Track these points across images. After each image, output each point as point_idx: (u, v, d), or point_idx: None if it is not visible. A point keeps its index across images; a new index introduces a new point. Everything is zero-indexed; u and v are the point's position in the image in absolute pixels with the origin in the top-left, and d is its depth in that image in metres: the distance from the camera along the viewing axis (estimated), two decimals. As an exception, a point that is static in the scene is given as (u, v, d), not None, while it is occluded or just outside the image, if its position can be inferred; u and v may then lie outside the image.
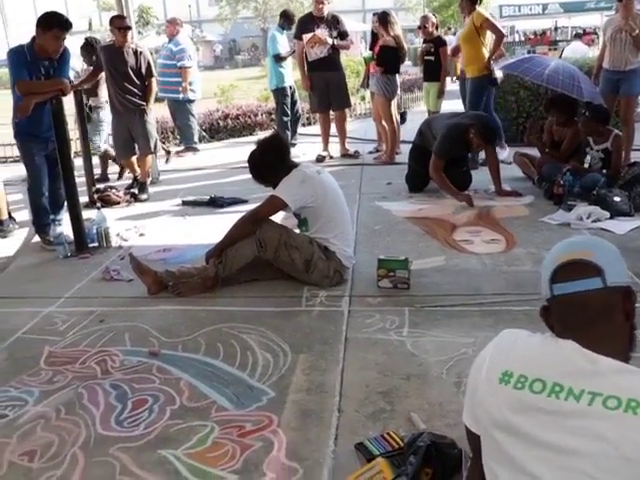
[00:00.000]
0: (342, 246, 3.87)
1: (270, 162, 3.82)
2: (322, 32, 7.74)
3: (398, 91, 8.22)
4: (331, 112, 8.33)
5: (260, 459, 2.30)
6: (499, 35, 7.16)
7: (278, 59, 8.85)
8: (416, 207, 5.69)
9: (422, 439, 2.19)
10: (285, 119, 9.02)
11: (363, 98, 12.88)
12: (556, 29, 30.38)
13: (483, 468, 1.47)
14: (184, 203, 6.51)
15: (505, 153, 7.33)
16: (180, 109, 9.18)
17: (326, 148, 8.34)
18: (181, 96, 8.94)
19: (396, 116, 7.98)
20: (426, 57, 8.28)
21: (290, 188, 3.75)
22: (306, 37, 7.78)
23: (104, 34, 18.95)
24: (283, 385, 2.79)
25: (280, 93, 9.00)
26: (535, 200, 5.68)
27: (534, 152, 6.48)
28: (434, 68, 8.23)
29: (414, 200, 5.96)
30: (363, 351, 3.05)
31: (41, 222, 5.36)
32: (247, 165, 3.97)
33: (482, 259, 4.23)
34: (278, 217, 3.98)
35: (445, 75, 8.40)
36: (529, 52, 16.12)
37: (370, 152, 8.61)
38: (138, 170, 7.02)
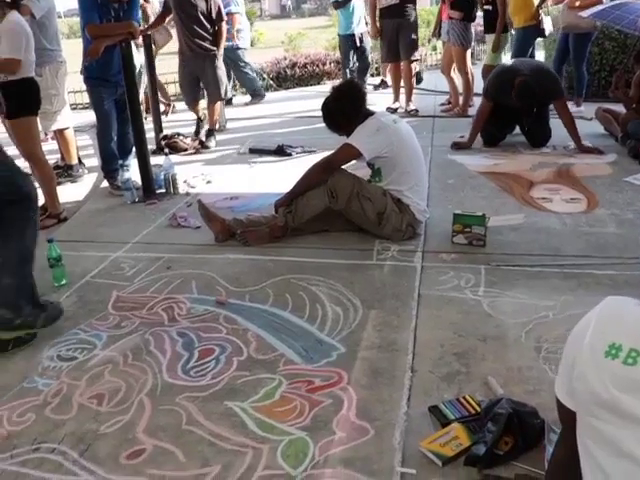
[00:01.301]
0: (416, 199, 3.71)
1: (344, 109, 3.66)
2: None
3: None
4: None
5: (329, 417, 2.21)
6: None
7: (336, 5, 8.59)
8: (491, 162, 5.45)
9: (501, 405, 2.07)
10: (346, 69, 8.74)
11: (435, 48, 12.49)
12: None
13: (574, 445, 1.32)
14: (251, 151, 6.43)
15: (578, 108, 6.98)
16: (230, 57, 8.89)
17: (397, 99, 8.04)
18: (230, 43, 8.63)
19: (471, 67, 7.64)
20: (485, 6, 7.39)
21: (365, 136, 3.59)
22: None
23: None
24: (353, 341, 2.69)
25: (341, 41, 8.71)
26: (618, 158, 5.35)
27: (618, 108, 6.13)
28: (493, 19, 7.25)
29: (489, 154, 5.71)
30: (437, 309, 2.92)
31: (109, 167, 5.36)
32: (320, 112, 3.82)
33: (562, 218, 4.01)
34: (350, 167, 3.82)
35: (501, 26, 7.15)
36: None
37: (442, 104, 8.32)
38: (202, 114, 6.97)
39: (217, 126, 7.18)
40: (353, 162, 3.76)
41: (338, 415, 2.22)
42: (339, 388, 2.37)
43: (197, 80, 6.85)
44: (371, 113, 3.72)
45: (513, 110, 5.69)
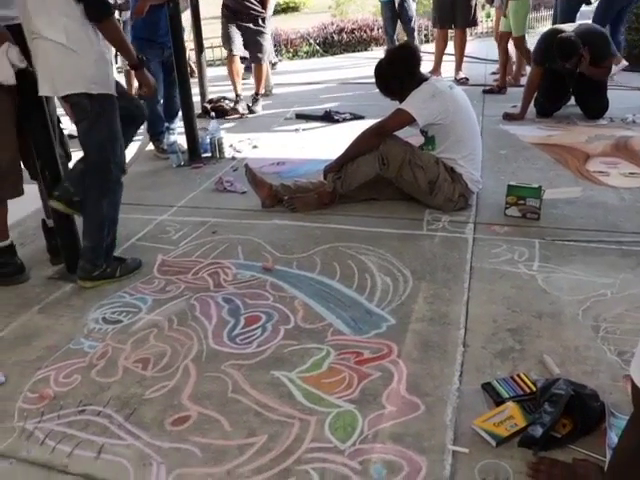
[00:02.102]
0: (470, 169, 3.58)
1: (399, 73, 3.52)
2: None
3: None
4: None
5: (379, 390, 2.14)
6: None
7: None
8: (545, 133, 5.26)
9: (559, 386, 1.98)
10: (389, 37, 8.50)
11: (488, 15, 12.15)
12: None
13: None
14: (297, 117, 6.35)
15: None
16: None
17: (436, 70, 7.66)
18: None
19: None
20: None
21: (419, 102, 3.46)
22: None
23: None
24: (404, 313, 2.61)
25: (382, 7, 8.43)
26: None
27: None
28: None
29: (542, 125, 5.52)
30: (490, 283, 2.82)
31: (155, 130, 5.33)
32: (373, 76, 3.69)
33: (620, 193, 3.84)
34: (402, 134, 3.70)
35: None
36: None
37: (493, 73, 8.08)
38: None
39: (263, 91, 7.08)
40: (406, 128, 3.64)
41: (388, 389, 2.15)
42: (389, 361, 2.30)
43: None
44: (426, 78, 3.58)
45: (564, 78, 5.45)
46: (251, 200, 3.89)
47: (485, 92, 6.97)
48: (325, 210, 3.73)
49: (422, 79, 3.55)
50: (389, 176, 3.57)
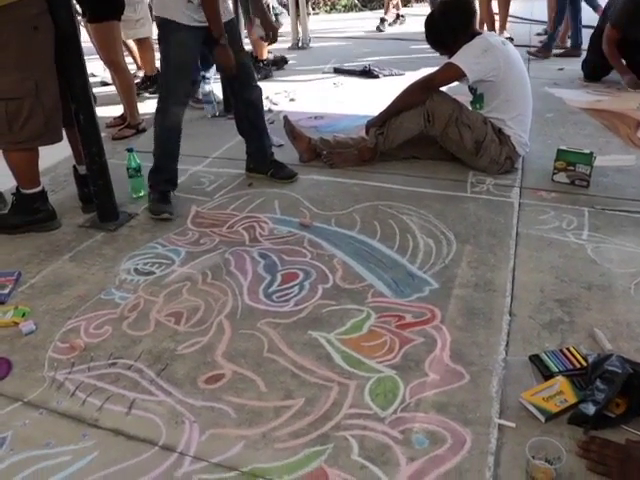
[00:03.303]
0: (518, 130, 3.41)
1: (451, 24, 3.33)
2: None
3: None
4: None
5: (421, 356, 2.05)
6: None
7: None
8: (593, 98, 5.04)
9: (612, 363, 1.86)
10: None
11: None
12: None
13: None
14: (335, 71, 6.18)
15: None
16: None
17: (482, 28, 7.43)
18: None
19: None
20: None
21: (471, 57, 3.28)
22: None
23: None
24: (447, 277, 2.50)
25: None
26: None
27: None
28: None
29: (590, 90, 5.29)
30: (537, 250, 2.69)
31: (191, 78, 5.19)
32: (423, 27, 3.51)
33: (674, 163, 3.66)
34: (448, 91, 3.54)
35: None
36: None
37: (538, 34, 7.78)
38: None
39: (300, 44, 6.90)
40: (454, 84, 3.47)
41: (431, 355, 2.05)
42: (432, 326, 2.20)
43: None
44: (478, 32, 3.41)
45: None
46: (288, 153, 3.78)
47: (530, 54, 6.71)
48: (364, 167, 3.61)
49: (475, 33, 3.37)
50: (434, 134, 3.42)
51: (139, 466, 1.66)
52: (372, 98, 4.88)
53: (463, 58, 3.29)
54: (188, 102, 3.26)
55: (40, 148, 2.98)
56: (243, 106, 3.41)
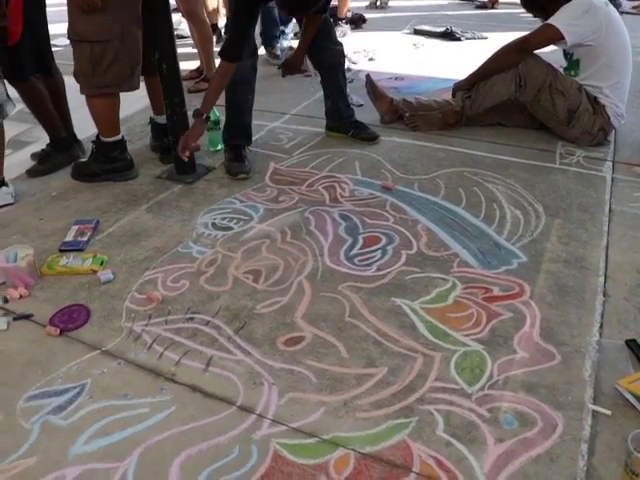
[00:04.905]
0: (616, 100, 3.20)
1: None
2: None
3: None
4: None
5: (509, 332, 1.94)
6: None
7: None
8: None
9: None
10: None
11: None
12: None
13: None
14: (416, 32, 5.98)
15: None
16: None
17: None
18: None
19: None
20: None
21: (571, 18, 3.07)
22: None
23: None
24: (536, 250, 2.37)
25: None
26: None
27: None
28: None
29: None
30: (632, 229, 2.52)
31: (269, 34, 5.10)
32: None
33: None
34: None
35: None
36: None
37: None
38: None
39: (377, 3, 6.70)
40: (548, 49, 3.28)
41: (520, 332, 1.94)
42: (520, 301, 2.08)
43: None
44: (578, -9, 3.19)
45: None
46: (368, 114, 3.66)
47: (625, 13, 6.36)
48: (448, 131, 3.47)
49: (574, -8, 3.15)
50: (524, 100, 3.24)
51: (217, 425, 1.62)
52: (454, 61, 4.73)
53: (562, 19, 3.07)
54: (256, 54, 3.13)
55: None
56: (322, 64, 3.31)
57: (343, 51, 3.36)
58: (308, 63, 3.39)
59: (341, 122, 3.43)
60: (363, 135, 3.37)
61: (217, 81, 2.85)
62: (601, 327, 1.97)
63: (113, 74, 2.78)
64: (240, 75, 2.96)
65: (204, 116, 2.79)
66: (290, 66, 3.34)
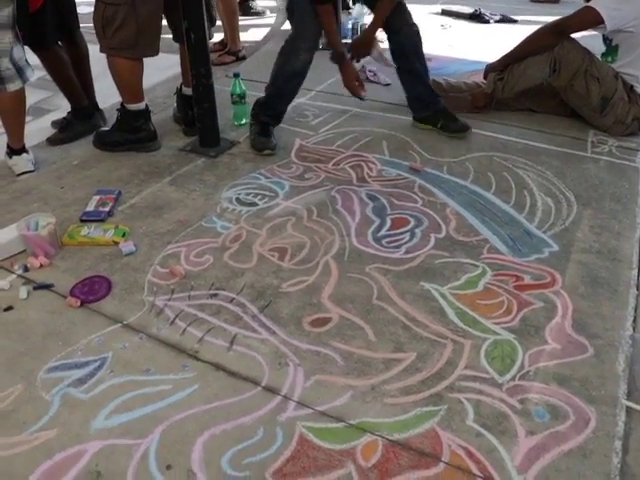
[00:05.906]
0: (653, 90, 3.12)
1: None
2: None
3: None
4: None
5: (541, 322, 1.89)
6: None
7: None
8: None
9: None
10: None
11: None
12: None
13: None
14: (443, 12, 5.86)
15: None
16: None
17: None
18: None
19: None
20: None
21: (612, 1, 2.96)
22: None
23: None
24: (567, 240, 2.31)
25: None
26: None
27: None
28: None
29: None
30: (666, 221, 2.46)
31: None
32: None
33: None
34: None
35: None
36: None
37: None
38: None
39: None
40: (586, 33, 3.18)
41: (551, 322, 1.89)
42: (552, 291, 2.03)
43: None
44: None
45: None
46: (397, 93, 3.56)
47: None
48: (478, 115, 3.38)
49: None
50: (558, 84, 3.15)
51: (241, 405, 1.58)
52: (483, 43, 4.62)
53: (604, 2, 2.97)
54: (317, 46, 2.98)
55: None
56: (395, 47, 3.15)
57: (418, 31, 3.17)
58: (383, 51, 3.24)
59: (427, 112, 3.22)
60: (452, 128, 3.16)
61: (327, 21, 2.83)
62: (634, 321, 1.92)
63: (120, 37, 2.72)
64: (299, 67, 2.93)
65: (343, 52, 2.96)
66: (359, 47, 3.15)
